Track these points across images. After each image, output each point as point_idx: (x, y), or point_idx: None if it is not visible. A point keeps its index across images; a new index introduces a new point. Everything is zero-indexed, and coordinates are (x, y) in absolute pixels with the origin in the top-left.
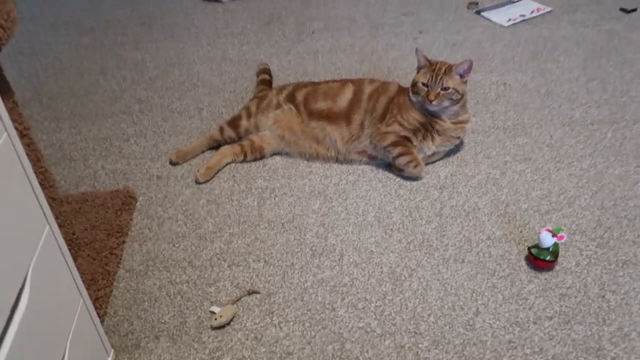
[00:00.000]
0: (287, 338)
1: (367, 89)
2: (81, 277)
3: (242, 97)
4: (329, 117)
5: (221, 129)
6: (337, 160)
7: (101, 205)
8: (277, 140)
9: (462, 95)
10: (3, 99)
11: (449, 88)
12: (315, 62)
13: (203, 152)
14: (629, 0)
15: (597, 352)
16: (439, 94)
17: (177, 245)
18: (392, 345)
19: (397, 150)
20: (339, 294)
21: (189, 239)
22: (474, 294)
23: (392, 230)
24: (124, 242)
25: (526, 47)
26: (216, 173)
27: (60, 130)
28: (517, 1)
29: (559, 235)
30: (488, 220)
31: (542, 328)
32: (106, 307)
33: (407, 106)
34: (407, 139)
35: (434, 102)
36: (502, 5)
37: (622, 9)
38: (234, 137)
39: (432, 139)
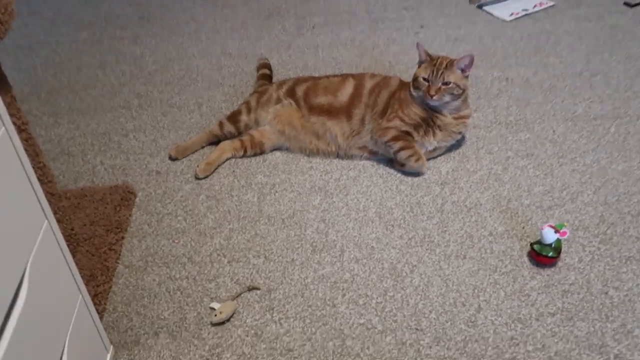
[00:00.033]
0: (288, 334)
1: (368, 84)
2: (80, 273)
3: (242, 92)
4: (330, 112)
5: (221, 124)
6: (337, 156)
7: (100, 200)
8: (277, 136)
9: (464, 90)
10: (1, 94)
11: (450, 83)
12: (316, 56)
13: (203, 147)
14: None
15: (600, 348)
16: (439, 88)
17: (176, 241)
18: (393, 342)
19: (398, 145)
20: (340, 290)
21: (189, 235)
22: (476, 290)
23: (393, 226)
24: (123, 237)
25: (529, 41)
26: (216, 168)
27: (58, 125)
28: None
29: (561, 231)
30: (490, 216)
31: (545, 325)
32: (105, 303)
33: (408, 101)
34: (408, 134)
35: (434, 97)
36: None
37: (626, 3)
38: (234, 132)
39: (434, 134)
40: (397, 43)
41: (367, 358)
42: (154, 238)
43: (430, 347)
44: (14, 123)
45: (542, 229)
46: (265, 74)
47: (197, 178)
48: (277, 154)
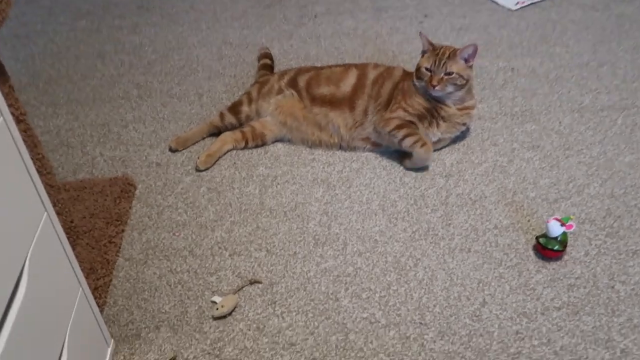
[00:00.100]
0: (290, 328)
1: (371, 74)
2: (80, 266)
3: (243, 82)
4: (332, 102)
5: (222, 115)
6: (340, 147)
7: (100, 192)
8: (279, 127)
9: (467, 81)
10: None
11: (452, 73)
12: (318, 46)
13: (203, 138)
14: None
15: (607, 343)
16: (442, 79)
17: (177, 234)
18: (397, 336)
19: (401, 133)
20: (343, 284)
21: (190, 228)
22: (481, 284)
23: (396, 219)
24: (123, 230)
25: (534, 31)
26: (217, 160)
27: (57, 115)
28: None
29: (567, 224)
30: (495, 209)
31: (550, 319)
32: (106, 297)
33: (411, 92)
34: (412, 123)
35: (437, 88)
36: None
37: None
38: (235, 124)
39: (438, 125)
40: (401, 32)
41: (371, 352)
42: (154, 231)
43: (435, 341)
44: (12, 113)
45: (547, 222)
46: (266, 64)
47: (197, 170)
48: (279, 145)
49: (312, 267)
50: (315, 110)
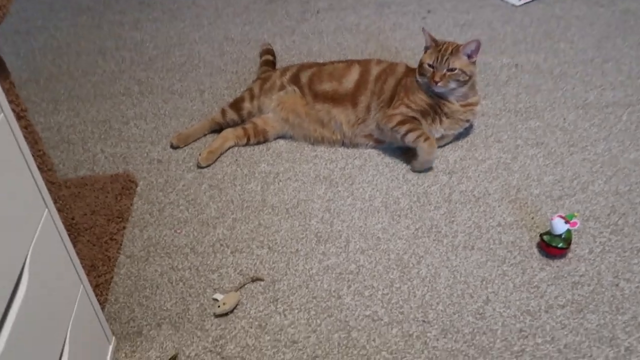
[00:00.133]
0: (292, 326)
1: (374, 70)
2: (81, 263)
3: (245, 79)
4: (335, 99)
5: (223, 112)
6: (342, 144)
7: (101, 189)
8: (281, 123)
9: (470, 77)
10: None
11: (455, 69)
12: (320, 42)
13: (205, 135)
14: None
15: (611, 341)
16: (444, 75)
17: (178, 231)
18: (400, 334)
19: (404, 128)
20: (345, 282)
21: (191, 225)
22: (484, 282)
23: (399, 216)
24: (124, 227)
25: (539, 27)
26: (218, 157)
27: (58, 112)
28: None
29: (571, 221)
30: (499, 206)
31: (554, 317)
32: (107, 294)
33: (414, 88)
34: (415, 119)
35: (439, 84)
36: None
37: None
38: (237, 120)
39: (441, 121)
40: (404, 28)
41: (373, 350)
42: (155, 228)
43: (438, 339)
44: (13, 110)
45: (551, 219)
46: (268, 60)
47: (199, 167)
48: (281, 142)
49: (314, 264)
50: (318, 107)
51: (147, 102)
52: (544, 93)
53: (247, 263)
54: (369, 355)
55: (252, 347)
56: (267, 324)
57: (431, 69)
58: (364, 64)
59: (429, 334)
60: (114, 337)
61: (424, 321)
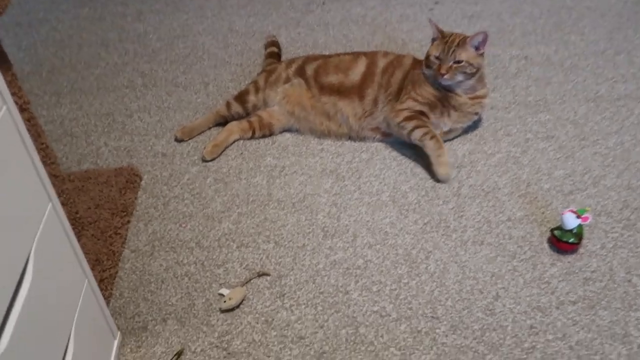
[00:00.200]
0: (299, 322)
1: (381, 62)
2: (85, 258)
3: (250, 71)
4: (341, 91)
5: (228, 105)
6: (349, 137)
7: (105, 183)
8: (287, 116)
9: (478, 69)
10: (1, 72)
11: (462, 61)
12: (326, 34)
13: (209, 128)
14: None
15: (623, 338)
16: (451, 67)
17: (183, 225)
18: (408, 330)
19: (411, 124)
20: (353, 277)
21: (196, 219)
22: (494, 278)
23: (407, 210)
24: (128, 221)
25: (549, 18)
26: (223, 150)
27: (60, 105)
28: None
29: (583, 216)
30: (508, 201)
31: (565, 313)
32: (111, 289)
33: (421, 81)
34: (423, 113)
35: (445, 76)
36: None
37: None
38: (242, 113)
39: (449, 114)
40: (411, 20)
41: (381, 346)
42: (160, 222)
43: (447, 335)
44: (16, 102)
45: (562, 214)
46: (273, 52)
47: (204, 160)
48: (287, 135)
49: (321, 259)
50: (324, 100)
51: (151, 94)
52: (554, 86)
53: (253, 258)
54: (377, 352)
55: (259, 343)
56: (273, 319)
57: (437, 61)
58: (371, 56)
59: (437, 330)
60: (119, 332)
61: (432, 317)
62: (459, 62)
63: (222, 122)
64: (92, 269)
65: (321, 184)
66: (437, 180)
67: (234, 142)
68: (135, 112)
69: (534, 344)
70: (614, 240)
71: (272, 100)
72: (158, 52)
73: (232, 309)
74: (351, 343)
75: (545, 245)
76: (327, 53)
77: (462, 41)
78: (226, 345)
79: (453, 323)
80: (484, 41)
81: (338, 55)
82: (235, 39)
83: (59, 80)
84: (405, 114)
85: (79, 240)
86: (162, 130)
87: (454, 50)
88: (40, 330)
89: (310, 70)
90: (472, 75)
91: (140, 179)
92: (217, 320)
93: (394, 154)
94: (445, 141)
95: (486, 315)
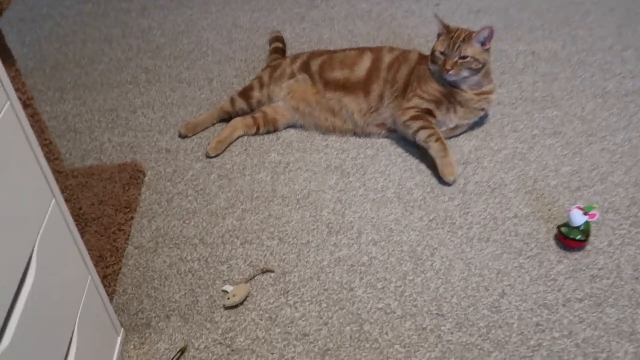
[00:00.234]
0: (304, 319)
1: (387, 58)
2: (89, 254)
3: (255, 67)
4: (346, 87)
5: (232, 101)
6: (354, 134)
7: (108, 179)
8: (292, 112)
9: (484, 65)
10: (5, 68)
11: (467, 57)
12: (331, 29)
13: (214, 124)
14: None
15: (631, 336)
16: (456, 63)
17: (187, 222)
18: (414, 327)
19: (417, 125)
20: (358, 274)
21: (200, 216)
22: (500, 275)
23: (413, 207)
24: (132, 218)
25: (556, 13)
26: (228, 147)
27: (64, 101)
28: None
29: (590, 213)
30: (515, 197)
31: (572, 311)
32: (115, 285)
33: (427, 77)
34: (429, 111)
35: (451, 72)
36: None
37: None
38: (246, 109)
39: (455, 111)
40: (417, 15)
41: (386, 344)
42: (164, 218)
43: (452, 333)
44: (19, 98)
45: (570, 211)
46: (278, 48)
47: (208, 157)
48: (292, 131)
49: (325, 256)
50: (329, 96)
51: (155, 90)
52: (562, 81)
53: (257, 255)
54: (382, 349)
55: (263, 340)
56: (277, 316)
57: (443, 57)
58: (376, 52)
59: (443, 328)
60: (122, 329)
61: (438, 314)
62: (464, 58)
63: (227, 118)
64: (96, 265)
65: (326, 181)
66: (443, 182)
67: (238, 138)
68: (139, 108)
69: (540, 341)
70: (621, 237)
71: (276, 96)
72: (162, 48)
73: (236, 306)
74: (356, 340)
75: (552, 242)
76: (332, 49)
77: (468, 37)
78: (230, 342)
79: (459, 320)
80: (490, 37)
81: (343, 51)
82: (239, 35)
83: (62, 76)
84: (412, 113)
85: (82, 237)
86: (166, 126)
87: (459, 46)
88: (44, 326)
89: (315, 66)
90: (478, 71)
91: (144, 176)
92: (221, 317)
93: (400, 150)
94: (451, 138)
95: (492, 313)
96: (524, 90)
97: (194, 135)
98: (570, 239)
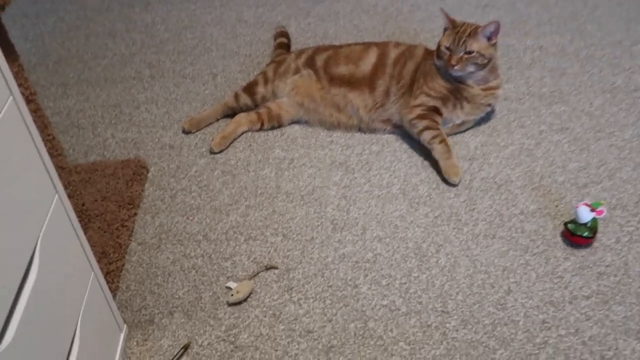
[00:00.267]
0: (307, 315)
1: (393, 53)
2: (92, 250)
3: (259, 62)
4: (351, 83)
5: (236, 96)
6: (359, 129)
7: (111, 175)
8: (296, 108)
9: (489, 60)
10: (8, 63)
11: (472, 52)
12: (336, 24)
13: (217, 120)
14: None
15: (638, 334)
16: (461, 58)
17: (191, 218)
18: (418, 324)
19: (422, 124)
20: (362, 270)
21: (204, 212)
22: (506, 272)
23: (418, 203)
24: (135, 214)
25: (564, 7)
26: (231, 142)
27: (67, 96)
28: None
29: (597, 209)
30: (521, 194)
31: (579, 308)
32: (118, 282)
33: (432, 73)
34: (436, 109)
35: (456, 67)
36: None
37: None
38: (250, 105)
39: (462, 107)
40: (423, 10)
41: (390, 341)
42: (167, 214)
43: (457, 330)
44: (22, 93)
45: (577, 207)
46: (282, 43)
47: (211, 152)
48: (296, 127)
49: (330, 252)
50: (334, 91)
51: (159, 86)
52: (570, 76)
53: (261, 251)
54: (386, 346)
55: (266, 337)
56: (281, 313)
57: (448, 52)
58: (382, 47)
59: (448, 325)
60: (125, 326)
61: (443, 311)
62: (469, 52)
63: (231, 113)
64: (99, 261)
65: (330, 177)
66: (447, 183)
67: (242, 134)
68: (143, 104)
69: (546, 339)
70: (629, 234)
71: (281, 92)
72: (166, 42)
73: (239, 303)
74: (360, 337)
75: (559, 239)
76: (337, 43)
77: (474, 31)
78: (233, 339)
79: (464, 317)
80: (496, 31)
81: (348, 45)
82: (244, 30)
83: (65, 71)
84: (418, 111)
85: (85, 233)
86: (169, 122)
87: (464, 41)
88: (46, 323)
89: (320, 61)
90: (484, 66)
91: (147, 171)
92: (225, 314)
93: (405, 146)
94: (457, 133)
95: (497, 310)
96: (531, 85)
97: (197, 130)
98: (577, 236)
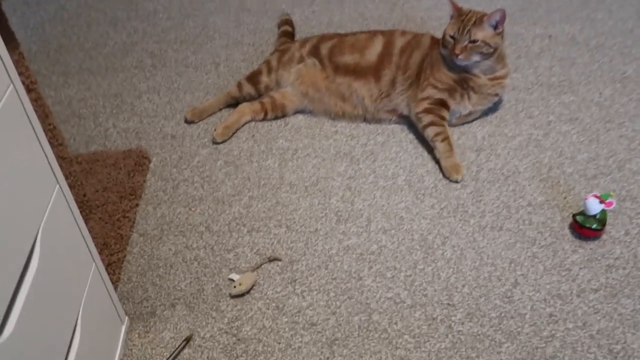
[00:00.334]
0: (311, 308)
1: (399, 42)
2: (93, 241)
3: (263, 51)
4: (356, 72)
5: (239, 85)
6: (364, 119)
7: (113, 165)
8: (300, 97)
9: (495, 49)
10: (9, 51)
11: (477, 41)
12: (341, 12)
13: (220, 109)
14: None
15: None
16: (465, 47)
17: (193, 209)
18: (423, 317)
19: (428, 119)
20: (366, 262)
21: (206, 203)
22: (513, 264)
23: (423, 194)
24: (137, 205)
25: None
26: (234, 132)
27: (68, 85)
28: None
29: (607, 201)
30: (529, 185)
31: (586, 301)
32: (119, 273)
33: (439, 63)
34: (443, 103)
35: (460, 57)
36: None
37: None
38: (254, 94)
39: (469, 97)
40: None
41: (395, 334)
42: (169, 205)
43: (463, 323)
44: (23, 82)
45: (585, 199)
46: (287, 31)
47: (214, 142)
48: (300, 117)
49: (334, 244)
50: (339, 80)
51: (161, 75)
52: (579, 66)
53: (264, 242)
54: (391, 339)
55: (269, 329)
56: (284, 305)
57: (453, 41)
58: (388, 35)
59: (453, 318)
60: (126, 317)
61: (448, 304)
62: (474, 41)
63: (234, 103)
64: (100, 252)
65: (335, 167)
66: (449, 180)
67: (245, 123)
68: (145, 93)
69: (553, 332)
70: (638, 226)
71: (285, 81)
72: (168, 31)
73: (242, 295)
74: (364, 330)
75: (567, 231)
76: (342, 32)
77: (479, 20)
78: (236, 331)
79: (469, 310)
80: (502, 19)
81: (354, 34)
82: (247, 18)
83: (66, 60)
84: (425, 105)
85: (86, 224)
86: (171, 111)
87: (469, 29)
88: (47, 313)
89: (324, 49)
90: (489, 55)
91: (149, 162)
92: (227, 306)
93: (411, 136)
94: (464, 124)
95: (504, 303)
96: (540, 74)
97: (200, 120)
98: (586, 228)
